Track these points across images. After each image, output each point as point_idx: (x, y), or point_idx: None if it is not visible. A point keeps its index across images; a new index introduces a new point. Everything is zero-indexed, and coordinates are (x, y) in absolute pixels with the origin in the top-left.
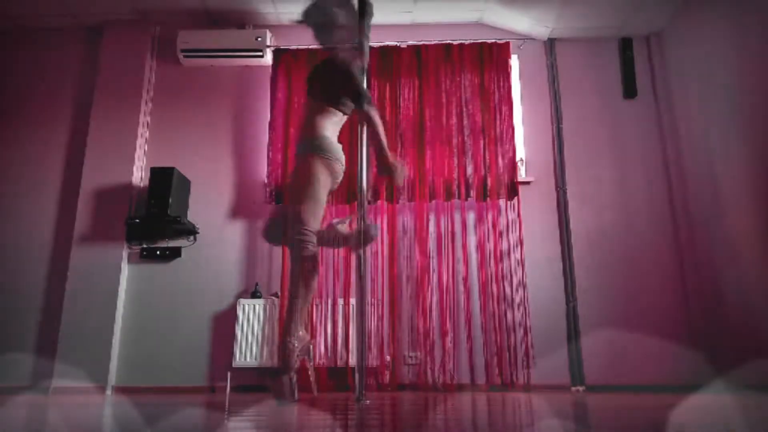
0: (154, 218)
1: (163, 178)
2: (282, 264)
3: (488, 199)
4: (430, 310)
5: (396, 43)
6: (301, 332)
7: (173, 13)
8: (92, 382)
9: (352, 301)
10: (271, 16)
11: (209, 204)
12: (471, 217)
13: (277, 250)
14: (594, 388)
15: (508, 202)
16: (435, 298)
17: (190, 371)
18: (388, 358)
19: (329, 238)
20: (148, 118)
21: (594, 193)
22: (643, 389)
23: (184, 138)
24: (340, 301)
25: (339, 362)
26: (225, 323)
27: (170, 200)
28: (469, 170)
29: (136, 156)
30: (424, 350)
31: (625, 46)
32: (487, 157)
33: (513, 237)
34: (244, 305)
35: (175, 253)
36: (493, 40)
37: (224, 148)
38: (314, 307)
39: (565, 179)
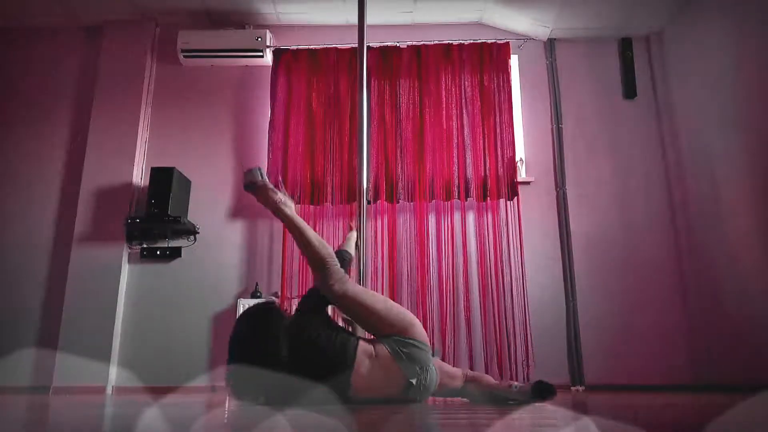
0: (154, 218)
1: (163, 178)
2: (282, 264)
3: (488, 199)
4: (430, 310)
5: (396, 43)
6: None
7: (173, 13)
8: (92, 382)
9: None
10: (271, 16)
11: (209, 204)
12: (471, 217)
13: (277, 250)
14: (594, 387)
15: (508, 202)
16: (435, 298)
17: (190, 371)
18: None
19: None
20: (149, 118)
21: (594, 193)
22: (643, 389)
23: (184, 138)
24: None
25: None
26: (225, 323)
27: (170, 200)
28: (469, 170)
29: (136, 156)
30: None
31: (625, 46)
32: (487, 157)
33: (513, 237)
34: (244, 305)
35: (175, 253)
36: (493, 40)
37: (224, 148)
38: None
39: (565, 179)
